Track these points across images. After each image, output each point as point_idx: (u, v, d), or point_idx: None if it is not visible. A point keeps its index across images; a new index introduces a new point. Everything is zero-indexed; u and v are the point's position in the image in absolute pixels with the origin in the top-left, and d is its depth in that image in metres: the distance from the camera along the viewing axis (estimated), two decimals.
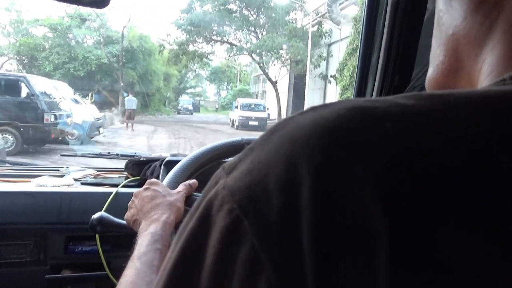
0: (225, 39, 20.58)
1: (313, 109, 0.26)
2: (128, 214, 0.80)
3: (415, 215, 0.22)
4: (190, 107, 33.17)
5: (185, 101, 35.71)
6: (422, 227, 0.22)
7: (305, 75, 20.52)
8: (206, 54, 21.26)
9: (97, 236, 1.13)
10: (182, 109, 32.45)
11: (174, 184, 0.84)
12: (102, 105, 20.87)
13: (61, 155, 2.09)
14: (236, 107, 20.16)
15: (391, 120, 0.23)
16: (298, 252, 0.22)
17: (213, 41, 20.41)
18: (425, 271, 0.21)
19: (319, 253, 0.22)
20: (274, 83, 20.05)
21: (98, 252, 1.13)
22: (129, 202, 0.81)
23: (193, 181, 0.85)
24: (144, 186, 0.79)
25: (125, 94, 17.35)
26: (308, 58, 17.03)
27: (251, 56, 20.28)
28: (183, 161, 0.89)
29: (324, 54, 18.44)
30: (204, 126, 19.20)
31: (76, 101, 10.51)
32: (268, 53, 18.69)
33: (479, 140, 0.23)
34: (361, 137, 0.23)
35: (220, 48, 27.48)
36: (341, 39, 16.88)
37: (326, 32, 18.01)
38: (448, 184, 0.22)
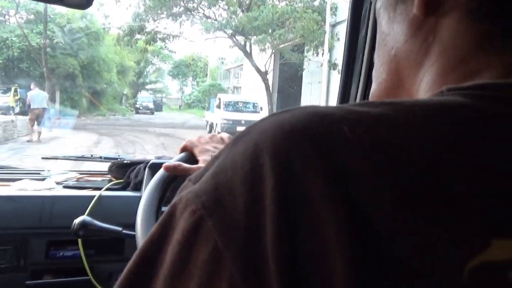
0: (201, 13, 15.07)
1: (274, 114, 0.29)
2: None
3: (376, 211, 0.23)
4: (151, 106, 28.47)
5: (144, 98, 30.77)
6: (383, 228, 0.23)
7: (299, 64, 15.68)
8: (171, 36, 15.85)
9: (79, 240, 1.09)
10: (141, 107, 27.74)
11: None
12: None
13: (42, 158, 1.74)
14: (218, 106, 14.91)
15: (348, 124, 0.25)
16: (261, 250, 0.23)
17: (182, 16, 14.97)
18: (382, 268, 0.22)
19: (281, 250, 0.23)
20: (264, 74, 15.03)
21: (81, 257, 1.09)
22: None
23: None
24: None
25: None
26: (327, 35, 11.96)
27: (233, 38, 15.07)
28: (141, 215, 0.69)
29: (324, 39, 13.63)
30: (171, 132, 13.96)
31: None
32: (264, 31, 13.30)
33: (426, 142, 0.26)
34: (321, 138, 0.25)
35: (190, 29, 21.62)
36: None
37: (331, 8, 13.23)
38: (400, 181, 0.24)
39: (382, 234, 0.23)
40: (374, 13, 0.54)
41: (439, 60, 0.35)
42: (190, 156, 0.76)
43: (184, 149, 0.77)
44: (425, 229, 0.23)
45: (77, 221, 0.84)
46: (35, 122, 9.72)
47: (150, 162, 1.07)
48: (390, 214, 0.23)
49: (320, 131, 0.25)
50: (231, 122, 13.36)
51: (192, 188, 0.27)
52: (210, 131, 14.96)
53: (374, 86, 0.42)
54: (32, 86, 10.69)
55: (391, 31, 0.39)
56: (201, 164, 0.70)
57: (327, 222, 0.23)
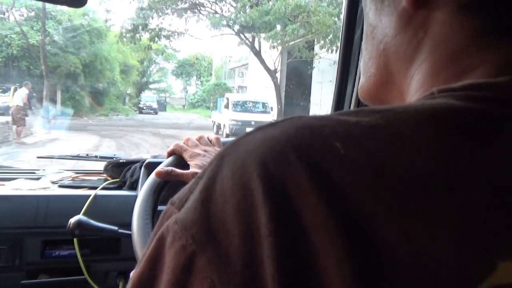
0: (208, 7, 14.31)
1: (260, 128, 0.27)
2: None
3: (378, 234, 0.22)
4: (155, 105, 27.80)
5: (148, 98, 30.16)
6: (388, 255, 0.22)
7: (308, 63, 14.97)
8: (175, 33, 15.18)
9: (75, 240, 1.07)
10: (145, 107, 27.01)
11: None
12: (33, 104, 14.84)
13: (37, 157, 1.72)
14: (226, 106, 14.23)
15: (340, 139, 0.24)
16: (262, 284, 0.22)
17: (187, 12, 14.29)
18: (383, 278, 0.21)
19: (283, 283, 0.21)
20: (273, 73, 14.34)
21: (77, 256, 1.08)
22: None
23: None
24: None
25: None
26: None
27: (240, 35, 14.39)
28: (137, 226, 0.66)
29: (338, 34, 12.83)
30: (177, 133, 13.33)
31: None
32: (276, 26, 12.46)
33: (422, 153, 0.24)
34: (313, 157, 0.23)
35: (196, 27, 20.96)
36: None
37: None
38: (399, 199, 0.23)
39: (384, 260, 0.22)
40: None
41: (430, 57, 0.33)
42: (179, 159, 0.74)
43: (172, 153, 0.75)
44: (430, 254, 0.22)
45: (72, 220, 0.84)
46: (17, 121, 9.18)
47: (146, 161, 1.06)
48: (392, 238, 0.22)
49: (312, 149, 0.24)
50: (240, 123, 12.67)
51: (178, 217, 0.25)
52: (217, 133, 14.29)
53: (363, 79, 0.40)
54: (25, 86, 10.19)
55: (379, 23, 0.36)
56: (192, 169, 0.69)
57: (328, 252, 0.21)
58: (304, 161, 0.23)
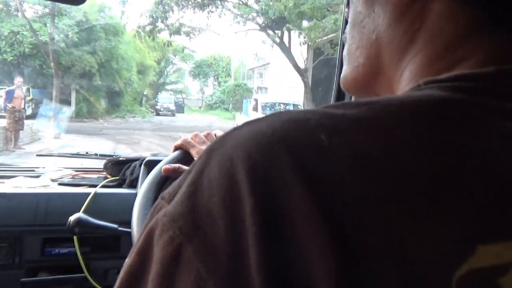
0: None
1: (248, 123, 0.27)
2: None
3: (359, 225, 0.22)
4: (172, 107, 26.86)
5: (165, 99, 29.27)
6: (368, 244, 0.22)
7: (333, 60, 13.56)
8: (196, 29, 14.00)
9: (75, 238, 1.07)
10: (162, 109, 26.11)
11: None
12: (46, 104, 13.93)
13: (37, 155, 1.78)
14: (255, 108, 13.06)
15: (325, 131, 0.24)
16: (246, 276, 0.22)
17: (210, 6, 13.06)
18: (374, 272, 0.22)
19: (266, 274, 0.22)
20: (303, 72, 13.00)
21: (76, 254, 1.08)
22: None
23: None
24: None
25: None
26: None
27: (267, 31, 13.09)
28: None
29: None
30: None
31: None
32: (313, 17, 11.00)
33: (407, 147, 0.24)
34: (298, 149, 0.24)
35: (217, 24, 19.78)
36: None
37: None
38: (382, 191, 0.23)
39: (367, 251, 0.22)
40: None
41: (425, 48, 0.32)
42: (186, 154, 0.75)
43: (179, 148, 0.75)
44: (411, 242, 0.22)
45: (72, 218, 0.84)
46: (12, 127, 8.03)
47: (146, 159, 1.04)
48: (374, 229, 0.22)
49: (297, 141, 0.24)
50: None
51: (166, 210, 0.25)
52: None
53: (348, 69, 0.39)
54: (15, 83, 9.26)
55: (371, 12, 0.36)
56: None
57: (311, 243, 0.22)
58: (289, 153, 0.23)
